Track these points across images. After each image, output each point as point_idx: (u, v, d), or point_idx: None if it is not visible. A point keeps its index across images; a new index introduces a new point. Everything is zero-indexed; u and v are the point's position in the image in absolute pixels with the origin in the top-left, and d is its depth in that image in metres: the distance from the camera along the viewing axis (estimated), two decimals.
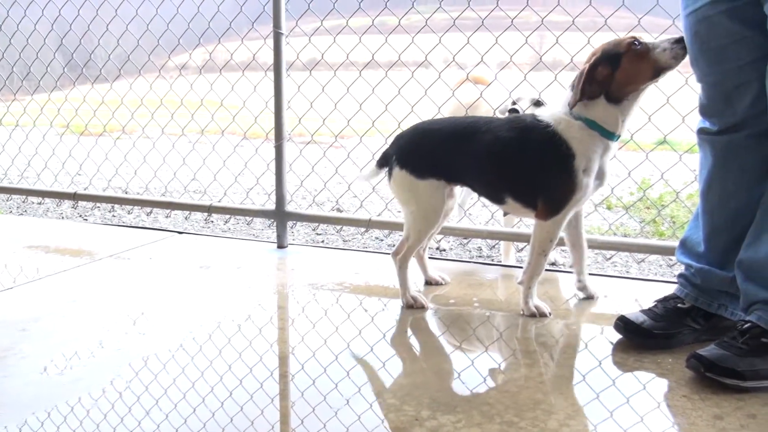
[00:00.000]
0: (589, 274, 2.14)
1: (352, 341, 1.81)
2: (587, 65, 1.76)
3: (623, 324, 1.75)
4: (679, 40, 1.67)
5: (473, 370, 1.64)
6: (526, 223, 2.81)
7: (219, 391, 1.54)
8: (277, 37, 2.67)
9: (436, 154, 1.96)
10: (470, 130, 1.92)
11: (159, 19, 3.21)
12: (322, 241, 3.46)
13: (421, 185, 1.97)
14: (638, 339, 1.74)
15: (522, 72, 2.50)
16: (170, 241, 2.90)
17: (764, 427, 1.35)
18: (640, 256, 3.04)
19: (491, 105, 2.60)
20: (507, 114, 2.41)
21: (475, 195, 2.28)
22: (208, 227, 3.82)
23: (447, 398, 1.48)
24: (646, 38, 1.73)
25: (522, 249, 2.96)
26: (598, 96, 1.77)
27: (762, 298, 1.55)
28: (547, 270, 1.97)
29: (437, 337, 1.89)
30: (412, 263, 2.12)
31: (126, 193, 4.39)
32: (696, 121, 1.74)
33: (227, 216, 3.92)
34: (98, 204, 4.33)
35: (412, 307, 2.05)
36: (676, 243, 1.89)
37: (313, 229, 3.68)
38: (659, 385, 1.55)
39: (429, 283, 2.27)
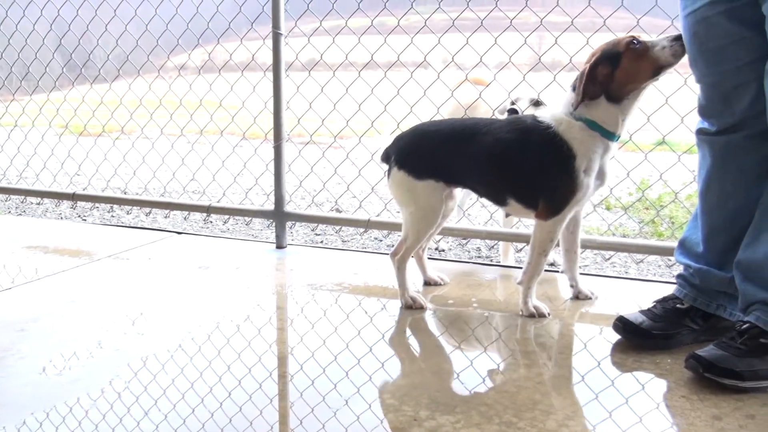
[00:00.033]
0: (589, 274, 2.14)
1: (351, 342, 1.81)
2: (587, 66, 1.77)
3: (622, 324, 1.76)
4: (678, 38, 1.67)
5: (472, 370, 1.64)
6: (525, 223, 2.81)
7: (218, 391, 1.54)
8: (276, 37, 2.67)
9: (435, 155, 1.96)
10: (471, 131, 1.92)
11: (158, 19, 3.21)
12: (321, 242, 3.45)
13: (419, 186, 1.97)
14: (637, 339, 1.74)
15: (521, 72, 2.50)
16: (169, 241, 2.90)
17: (763, 428, 1.35)
18: (639, 256, 3.04)
19: (490, 105, 2.60)
20: (506, 114, 2.41)
21: (473, 196, 2.28)
22: (207, 227, 3.82)
23: (446, 398, 1.48)
24: (645, 38, 1.73)
25: (521, 249, 2.96)
26: (598, 96, 1.77)
27: (760, 298, 1.55)
28: (546, 270, 1.98)
29: (436, 338, 1.89)
30: (411, 264, 2.12)
31: (125, 193, 4.39)
32: (695, 121, 1.74)
33: (226, 216, 3.92)
34: (97, 204, 4.32)
35: (411, 307, 2.05)
36: (674, 243, 1.89)
37: (312, 230, 3.68)
38: (658, 385, 1.55)
39: (428, 283, 2.27)
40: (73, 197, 3.36)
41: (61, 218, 4.12)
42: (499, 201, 1.97)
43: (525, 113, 2.36)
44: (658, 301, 1.80)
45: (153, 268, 2.51)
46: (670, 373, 1.60)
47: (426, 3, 2.82)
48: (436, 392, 1.51)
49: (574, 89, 1.81)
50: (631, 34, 1.78)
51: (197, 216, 4.09)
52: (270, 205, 2.84)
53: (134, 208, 4.22)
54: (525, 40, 2.50)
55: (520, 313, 1.98)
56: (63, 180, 4.23)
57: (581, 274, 2.15)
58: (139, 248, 2.77)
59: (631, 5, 2.31)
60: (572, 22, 2.35)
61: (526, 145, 1.84)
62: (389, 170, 2.01)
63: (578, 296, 2.11)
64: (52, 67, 3.70)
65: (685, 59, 1.68)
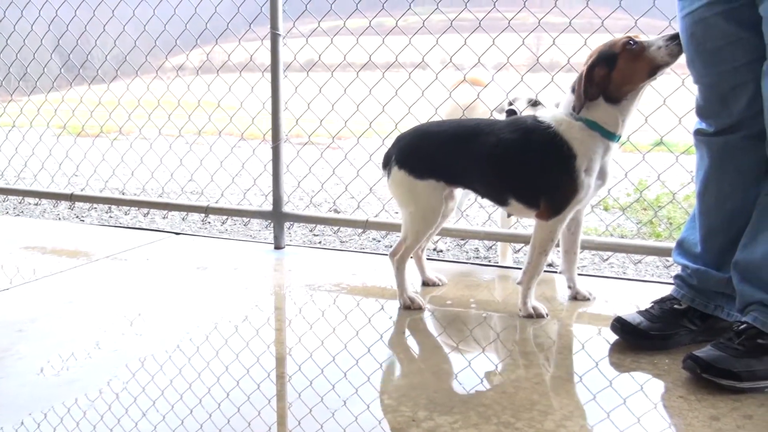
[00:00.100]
0: (587, 275, 2.14)
1: (349, 342, 1.81)
2: (585, 68, 1.77)
3: (620, 325, 1.76)
4: (674, 37, 1.68)
5: (470, 370, 1.64)
6: (523, 224, 2.82)
7: (216, 392, 1.54)
8: (275, 38, 2.67)
9: (436, 155, 1.96)
10: (472, 132, 1.93)
11: (156, 20, 3.21)
12: (320, 242, 3.45)
13: (420, 186, 1.97)
14: (635, 340, 1.74)
15: (519, 73, 2.51)
16: (167, 242, 2.90)
17: (760, 428, 1.35)
18: (637, 257, 3.04)
19: (488, 106, 2.60)
20: (504, 114, 2.42)
21: (472, 196, 2.29)
22: (205, 228, 3.81)
23: (444, 399, 1.48)
24: (642, 38, 1.73)
25: (519, 250, 2.97)
26: (597, 97, 1.78)
27: (758, 299, 1.55)
28: (543, 271, 1.98)
29: (434, 338, 1.89)
30: (410, 264, 2.12)
31: (123, 194, 4.38)
32: (693, 122, 1.75)
33: (224, 217, 3.92)
34: (95, 205, 4.32)
35: (410, 308, 2.05)
36: (672, 244, 1.89)
37: (311, 230, 3.68)
38: (656, 386, 1.56)
39: (426, 284, 2.27)
40: (71, 198, 3.36)
41: (59, 219, 4.12)
42: (501, 201, 1.97)
43: (523, 114, 2.37)
44: (656, 302, 1.80)
45: (151, 269, 2.51)
46: (667, 374, 1.60)
47: (424, 4, 2.82)
48: (434, 393, 1.51)
49: (573, 91, 1.81)
50: (628, 34, 1.78)
51: (195, 217, 4.08)
52: (268, 206, 2.84)
53: (132, 208, 4.22)
54: (523, 41, 2.50)
55: (519, 313, 1.98)
56: (61, 180, 4.22)
57: (579, 274, 2.16)
58: (137, 249, 2.77)
59: (629, 6, 2.31)
60: (570, 23, 2.35)
61: (526, 145, 1.85)
62: (390, 170, 2.01)
63: (576, 297, 2.11)
64: (50, 67, 3.70)
65: (683, 60, 1.69)
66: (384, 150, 2.09)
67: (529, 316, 1.96)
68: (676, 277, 1.81)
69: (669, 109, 2.25)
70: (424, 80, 2.67)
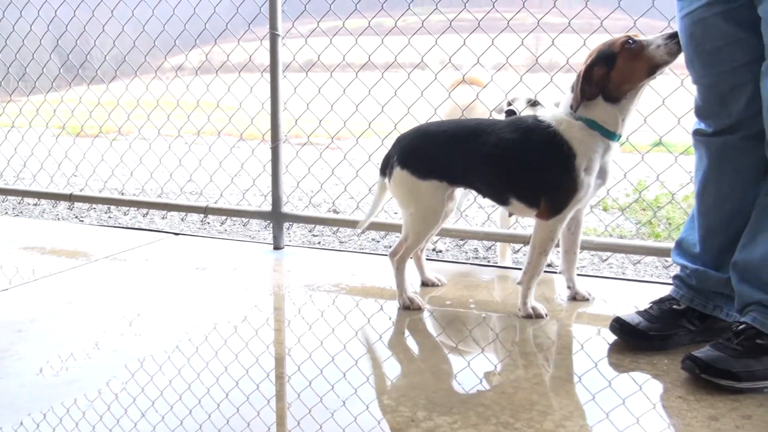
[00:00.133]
0: (586, 275, 2.15)
1: (348, 342, 1.81)
2: (584, 67, 1.77)
3: (619, 325, 1.76)
4: (673, 36, 1.68)
5: (469, 371, 1.64)
6: (522, 224, 2.82)
7: (215, 392, 1.54)
8: (274, 38, 2.67)
9: (438, 155, 1.96)
10: (473, 132, 1.93)
11: (155, 20, 3.21)
12: (319, 243, 3.45)
13: (422, 186, 1.97)
14: (634, 340, 1.74)
15: (518, 73, 2.51)
16: (166, 242, 2.90)
17: (759, 428, 1.35)
18: (636, 257, 3.04)
19: (487, 106, 2.60)
20: (504, 114, 2.42)
21: (471, 197, 2.28)
22: (205, 228, 3.81)
23: (443, 399, 1.48)
24: (641, 38, 1.73)
25: (519, 250, 2.97)
26: (596, 96, 1.78)
27: (757, 299, 1.56)
28: (544, 271, 1.98)
29: (434, 339, 1.89)
30: (409, 264, 2.12)
31: (122, 194, 4.38)
32: (692, 122, 1.75)
33: (223, 217, 3.91)
34: (94, 205, 4.31)
35: (409, 308, 2.05)
36: (671, 244, 1.89)
37: (310, 231, 3.68)
38: (655, 386, 1.56)
39: (425, 284, 2.27)
40: (70, 198, 3.35)
41: (58, 219, 4.12)
42: (502, 200, 1.97)
43: (522, 114, 2.37)
44: (655, 302, 1.80)
45: (150, 269, 2.51)
46: (666, 374, 1.60)
47: (423, 4, 2.82)
48: (433, 393, 1.51)
49: (573, 90, 1.82)
50: (627, 34, 1.79)
51: (194, 217, 4.08)
52: (267, 206, 2.84)
53: (131, 209, 4.21)
54: (522, 41, 2.50)
55: (518, 313, 1.98)
56: (60, 181, 4.22)
57: (578, 275, 2.16)
58: (136, 249, 2.77)
59: (628, 6, 2.31)
60: (569, 23, 2.35)
61: (527, 144, 1.85)
62: (391, 171, 2.01)
63: (576, 297, 2.11)
64: (49, 67, 3.70)
65: (682, 60, 1.69)
66: (384, 150, 2.09)
67: (529, 317, 1.96)
68: (675, 277, 1.81)
69: (668, 109, 2.25)
70: (424, 80, 2.67)
